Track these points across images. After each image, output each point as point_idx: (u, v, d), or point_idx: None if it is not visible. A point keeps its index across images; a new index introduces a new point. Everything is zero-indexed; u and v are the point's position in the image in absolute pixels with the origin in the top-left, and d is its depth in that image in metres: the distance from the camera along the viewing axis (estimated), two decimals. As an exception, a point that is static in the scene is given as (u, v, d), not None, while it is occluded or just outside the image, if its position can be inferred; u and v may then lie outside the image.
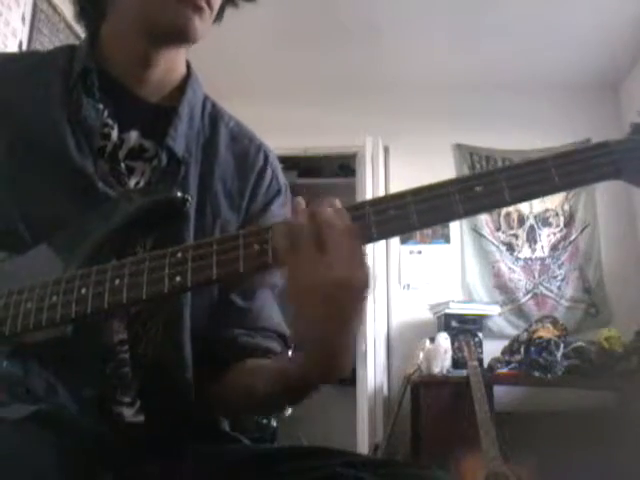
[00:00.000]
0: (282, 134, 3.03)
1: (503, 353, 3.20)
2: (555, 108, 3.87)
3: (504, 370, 3.09)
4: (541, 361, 2.94)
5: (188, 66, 0.95)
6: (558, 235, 3.80)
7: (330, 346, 0.66)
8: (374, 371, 3.50)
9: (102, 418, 0.77)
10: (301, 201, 0.65)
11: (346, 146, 3.97)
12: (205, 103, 0.94)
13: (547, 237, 3.81)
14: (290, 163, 3.94)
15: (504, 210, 3.81)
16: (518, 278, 3.74)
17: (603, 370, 2.94)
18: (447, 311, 3.37)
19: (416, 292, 3.75)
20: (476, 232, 3.80)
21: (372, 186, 3.72)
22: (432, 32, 3.43)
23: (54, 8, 2.66)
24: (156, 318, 0.82)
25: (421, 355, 3.19)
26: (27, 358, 0.73)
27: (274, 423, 3.31)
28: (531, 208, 3.84)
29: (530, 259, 3.78)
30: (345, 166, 4.36)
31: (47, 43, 2.59)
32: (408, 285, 3.78)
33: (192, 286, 0.66)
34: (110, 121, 0.84)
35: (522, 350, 3.08)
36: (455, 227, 3.80)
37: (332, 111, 3.94)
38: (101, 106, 0.84)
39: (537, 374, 2.94)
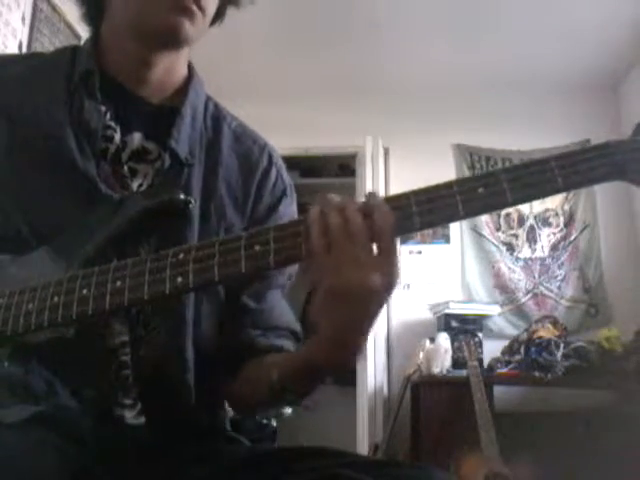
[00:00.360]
0: (282, 134, 3.02)
1: (503, 353, 3.20)
2: (555, 108, 3.87)
3: (504, 370, 3.09)
4: (541, 361, 2.94)
5: (190, 67, 0.94)
6: (558, 235, 3.80)
7: (344, 340, 0.67)
8: (374, 371, 3.50)
9: (103, 420, 0.77)
10: (334, 197, 0.65)
11: (346, 146, 3.97)
12: (207, 104, 0.94)
13: (547, 237, 3.81)
14: (290, 163, 3.93)
15: (504, 210, 3.81)
16: (518, 278, 3.74)
17: (603, 370, 2.95)
18: (447, 311, 3.37)
19: (416, 292, 3.75)
20: (476, 232, 3.80)
21: (372, 186, 3.72)
22: (432, 32, 3.43)
23: (54, 8, 2.66)
24: (158, 320, 0.82)
25: (421, 355, 3.19)
26: (28, 358, 0.73)
27: (274, 423, 3.31)
28: (531, 208, 3.84)
29: (530, 259, 3.78)
30: (345, 166, 4.36)
31: (47, 43, 2.59)
32: (408, 285, 3.78)
33: (194, 287, 0.66)
34: (112, 123, 0.84)
35: (522, 350, 3.08)
36: (455, 227, 3.80)
37: (332, 111, 3.94)
38: (103, 108, 0.84)
39: (537, 374, 2.94)
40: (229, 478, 0.76)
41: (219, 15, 0.91)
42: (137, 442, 0.77)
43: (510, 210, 3.81)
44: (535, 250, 3.79)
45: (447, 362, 3.15)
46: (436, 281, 3.75)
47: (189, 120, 0.88)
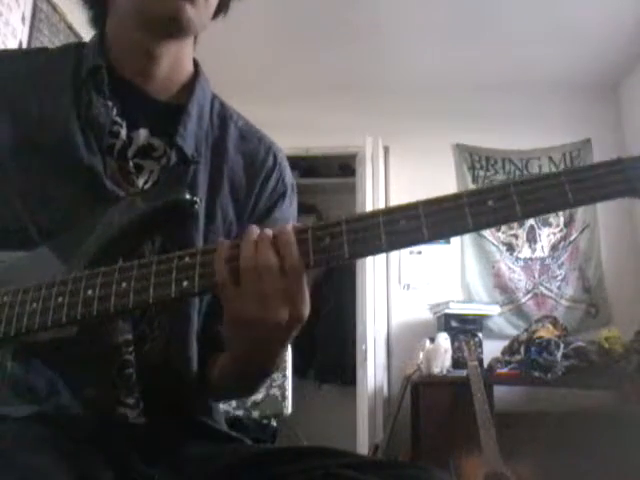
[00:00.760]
0: (282, 134, 3.02)
1: (503, 353, 3.20)
2: (555, 108, 3.87)
3: (504, 370, 3.09)
4: (541, 361, 2.94)
5: (196, 64, 0.94)
6: (558, 235, 3.80)
7: (252, 358, 0.74)
8: (374, 371, 3.50)
9: (104, 419, 0.77)
10: (253, 231, 0.65)
11: (346, 146, 3.97)
12: (213, 102, 0.94)
13: (547, 237, 3.81)
14: (291, 163, 3.93)
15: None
16: (518, 278, 3.74)
17: (603, 370, 2.94)
18: (447, 311, 3.37)
19: (416, 292, 3.75)
20: (476, 232, 3.80)
21: (372, 186, 3.72)
22: (432, 32, 3.43)
23: (54, 8, 2.65)
24: (163, 318, 0.82)
25: (421, 355, 3.20)
26: (31, 358, 0.73)
27: (274, 423, 3.31)
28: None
29: (530, 259, 3.78)
30: (345, 166, 4.36)
31: (47, 43, 2.59)
32: (408, 285, 3.78)
33: (199, 291, 0.66)
34: (119, 119, 0.84)
35: (522, 350, 3.07)
36: (455, 227, 3.80)
37: (332, 111, 3.94)
38: (110, 104, 0.84)
39: (537, 374, 2.94)
40: (229, 478, 0.76)
41: (223, 5, 0.90)
42: (139, 441, 0.77)
43: (510, 210, 3.81)
44: (535, 250, 3.79)
45: (447, 362, 3.15)
46: (436, 281, 3.75)
47: (195, 118, 0.87)
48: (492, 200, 0.61)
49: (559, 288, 3.71)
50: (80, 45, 0.91)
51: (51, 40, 2.63)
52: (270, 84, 3.89)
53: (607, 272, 3.69)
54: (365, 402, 3.46)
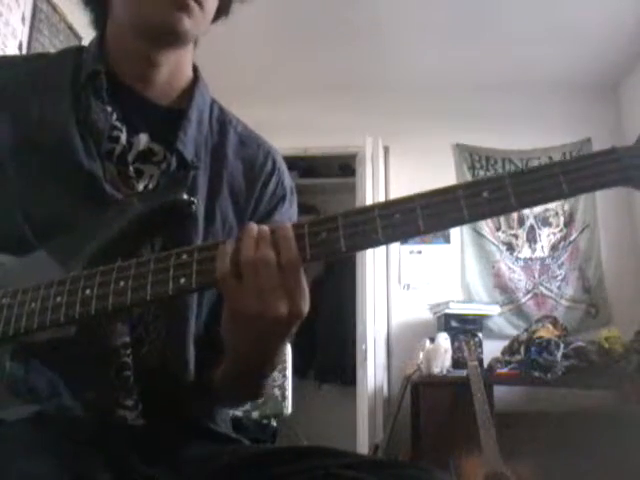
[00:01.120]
0: (282, 134, 3.03)
1: (503, 353, 3.20)
2: (555, 108, 3.87)
3: (504, 370, 3.09)
4: (541, 361, 2.94)
5: (195, 69, 0.95)
6: (558, 235, 3.80)
7: (249, 356, 0.74)
8: (374, 371, 3.50)
9: (104, 420, 0.77)
10: (252, 228, 0.66)
11: (346, 146, 3.97)
12: (212, 107, 0.94)
13: (547, 237, 3.81)
14: (290, 163, 3.94)
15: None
16: (518, 278, 3.74)
17: (603, 370, 2.94)
18: (447, 311, 3.37)
19: (416, 292, 3.75)
20: (476, 232, 3.80)
21: (372, 186, 3.72)
22: (432, 32, 3.44)
23: (54, 8, 2.66)
24: (160, 321, 0.82)
25: (421, 355, 3.20)
26: (30, 358, 0.74)
27: (274, 423, 3.31)
28: (531, 208, 3.84)
29: (530, 259, 3.78)
30: (345, 166, 4.36)
31: (47, 43, 2.59)
32: (408, 285, 3.78)
33: (197, 288, 0.66)
34: (119, 124, 0.84)
35: (522, 350, 3.08)
36: (455, 227, 3.80)
37: (332, 111, 3.94)
38: (109, 109, 0.84)
39: (537, 374, 2.94)
40: (229, 478, 0.76)
41: (224, 9, 0.91)
42: (139, 443, 0.77)
43: (510, 210, 3.81)
44: (535, 250, 3.79)
45: (447, 362, 3.15)
46: (436, 281, 3.76)
47: (195, 123, 0.88)
48: (487, 192, 0.62)
49: (559, 288, 3.71)
50: (80, 49, 0.91)
51: (51, 41, 2.63)
52: (269, 84, 3.89)
53: (607, 272, 3.69)
54: (365, 402, 3.46)
